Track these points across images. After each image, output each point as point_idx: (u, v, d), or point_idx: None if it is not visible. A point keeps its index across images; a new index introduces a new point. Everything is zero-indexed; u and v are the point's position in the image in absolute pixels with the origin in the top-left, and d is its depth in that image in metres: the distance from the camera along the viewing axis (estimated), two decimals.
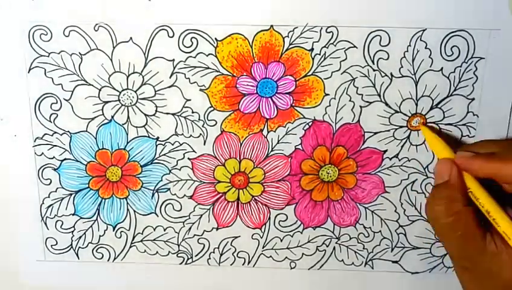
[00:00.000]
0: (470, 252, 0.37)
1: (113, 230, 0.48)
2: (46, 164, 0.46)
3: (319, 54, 0.42)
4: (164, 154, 0.46)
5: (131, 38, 0.42)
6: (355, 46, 0.42)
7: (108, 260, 0.49)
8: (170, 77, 0.43)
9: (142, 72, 0.43)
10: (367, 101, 0.44)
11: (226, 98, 0.44)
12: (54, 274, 0.50)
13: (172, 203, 0.47)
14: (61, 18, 0.42)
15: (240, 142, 0.45)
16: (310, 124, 0.44)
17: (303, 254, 0.49)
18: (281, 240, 0.48)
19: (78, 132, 0.45)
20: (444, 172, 0.40)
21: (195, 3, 0.41)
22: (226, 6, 0.41)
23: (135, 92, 0.44)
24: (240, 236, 0.48)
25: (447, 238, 0.39)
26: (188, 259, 0.49)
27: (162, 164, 0.46)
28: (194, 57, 0.43)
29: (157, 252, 0.49)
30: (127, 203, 0.47)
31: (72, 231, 0.48)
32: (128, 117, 0.45)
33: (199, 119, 0.44)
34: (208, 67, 0.43)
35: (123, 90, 0.44)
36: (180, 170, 0.46)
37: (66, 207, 0.47)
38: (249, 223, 0.48)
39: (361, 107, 0.44)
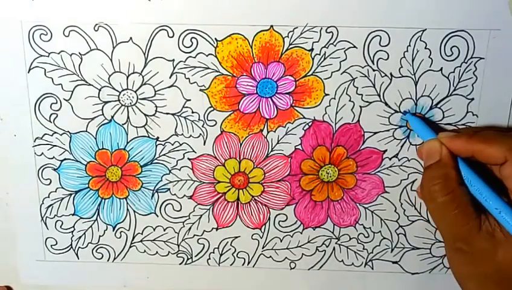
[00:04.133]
0: (465, 231, 0.37)
1: (113, 230, 0.48)
2: (46, 164, 0.46)
3: (319, 54, 0.42)
4: (164, 155, 0.46)
5: (131, 38, 0.42)
6: (355, 46, 0.42)
7: (108, 260, 0.49)
8: (170, 77, 0.43)
9: (142, 72, 0.43)
10: (367, 101, 0.44)
11: (226, 98, 0.44)
12: (54, 274, 0.50)
13: (172, 204, 0.47)
14: (61, 18, 0.42)
15: (239, 142, 0.45)
16: (309, 124, 0.44)
17: (303, 254, 0.49)
18: (281, 241, 0.48)
19: (78, 132, 0.45)
20: (434, 152, 0.40)
21: (195, 3, 0.41)
22: (226, 6, 0.41)
23: (135, 92, 0.44)
24: (239, 236, 0.48)
25: (443, 218, 0.39)
26: (187, 259, 0.49)
27: (162, 164, 0.46)
28: (194, 57, 0.43)
29: (157, 252, 0.49)
30: (127, 203, 0.47)
31: (72, 231, 0.48)
32: (128, 117, 0.45)
33: (199, 120, 0.44)
34: (208, 68, 0.43)
35: (123, 90, 0.44)
36: (180, 170, 0.46)
37: (66, 207, 0.47)
38: (248, 224, 0.48)
39: (361, 107, 0.44)
